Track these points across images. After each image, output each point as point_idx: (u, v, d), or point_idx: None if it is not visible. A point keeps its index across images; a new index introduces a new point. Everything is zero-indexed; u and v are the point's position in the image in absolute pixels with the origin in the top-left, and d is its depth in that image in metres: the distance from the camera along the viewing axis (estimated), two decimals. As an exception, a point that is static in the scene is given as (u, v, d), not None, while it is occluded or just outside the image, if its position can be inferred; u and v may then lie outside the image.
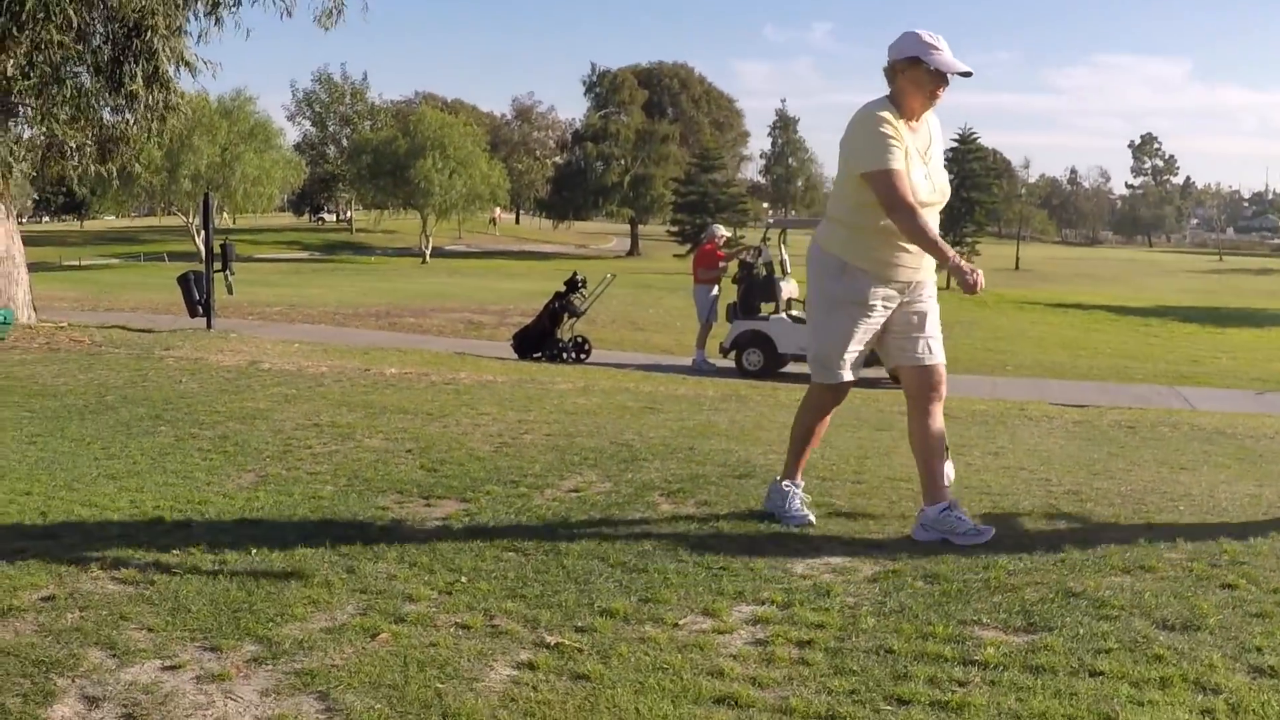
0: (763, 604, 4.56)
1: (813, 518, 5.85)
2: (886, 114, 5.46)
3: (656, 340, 24.10)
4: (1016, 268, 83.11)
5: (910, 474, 6.97)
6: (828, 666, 3.94)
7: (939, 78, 5.47)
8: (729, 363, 18.60)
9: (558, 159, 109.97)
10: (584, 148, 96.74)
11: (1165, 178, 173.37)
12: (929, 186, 5.54)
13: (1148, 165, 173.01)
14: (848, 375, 5.76)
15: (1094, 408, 12.38)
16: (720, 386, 13.08)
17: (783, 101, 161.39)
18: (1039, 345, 28.54)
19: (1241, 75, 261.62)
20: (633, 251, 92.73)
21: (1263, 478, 7.71)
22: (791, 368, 18.49)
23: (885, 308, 5.65)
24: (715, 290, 19.61)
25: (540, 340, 19.10)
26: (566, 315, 19.37)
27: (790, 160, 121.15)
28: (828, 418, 6.10)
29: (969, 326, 33.83)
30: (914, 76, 5.46)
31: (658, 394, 11.61)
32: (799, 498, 5.95)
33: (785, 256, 20.16)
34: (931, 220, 5.54)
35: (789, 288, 19.26)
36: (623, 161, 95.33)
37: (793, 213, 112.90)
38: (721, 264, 19.75)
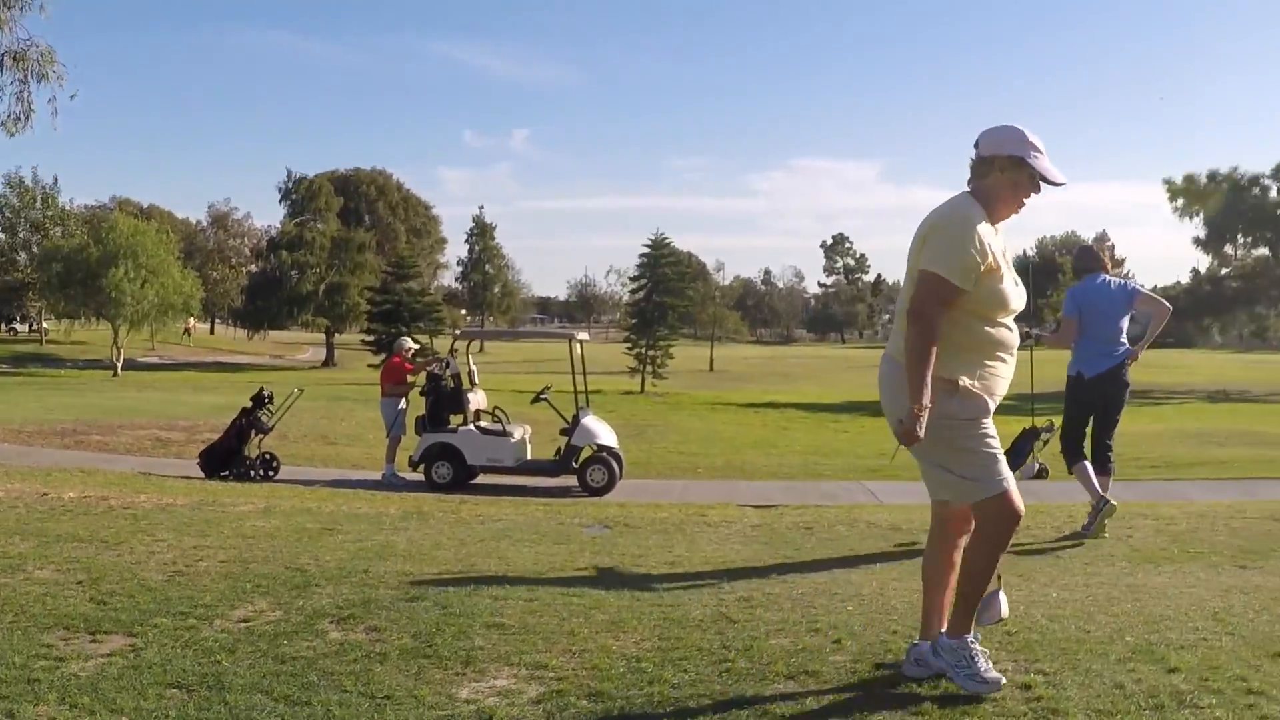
0: (423, 735, 4.52)
1: (1003, 678, 5.00)
2: (983, 221, 4.95)
3: (348, 454, 23.78)
4: (711, 369, 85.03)
5: (580, 590, 7.05)
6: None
7: (1035, 185, 5.04)
8: (419, 476, 18.47)
9: (253, 267, 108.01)
10: (279, 256, 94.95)
11: (857, 275, 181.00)
12: (1019, 293, 5.08)
13: (839, 264, 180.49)
14: (1011, 478, 5.04)
15: (775, 509, 12.68)
16: (404, 503, 12.98)
17: (480, 208, 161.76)
18: (731, 446, 29.11)
19: (929, 176, 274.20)
20: (328, 362, 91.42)
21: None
22: (481, 480, 18.50)
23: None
24: (403, 403, 19.54)
25: (228, 458, 18.67)
26: (254, 432, 19.01)
27: (487, 267, 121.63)
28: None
29: (662, 430, 34.32)
30: (1014, 178, 5.01)
31: (339, 514, 11.47)
32: (981, 654, 5.06)
33: (474, 367, 20.19)
34: (1014, 329, 5.14)
35: (477, 399, 19.26)
36: (318, 270, 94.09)
37: (490, 320, 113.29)
38: (409, 377, 19.70)
